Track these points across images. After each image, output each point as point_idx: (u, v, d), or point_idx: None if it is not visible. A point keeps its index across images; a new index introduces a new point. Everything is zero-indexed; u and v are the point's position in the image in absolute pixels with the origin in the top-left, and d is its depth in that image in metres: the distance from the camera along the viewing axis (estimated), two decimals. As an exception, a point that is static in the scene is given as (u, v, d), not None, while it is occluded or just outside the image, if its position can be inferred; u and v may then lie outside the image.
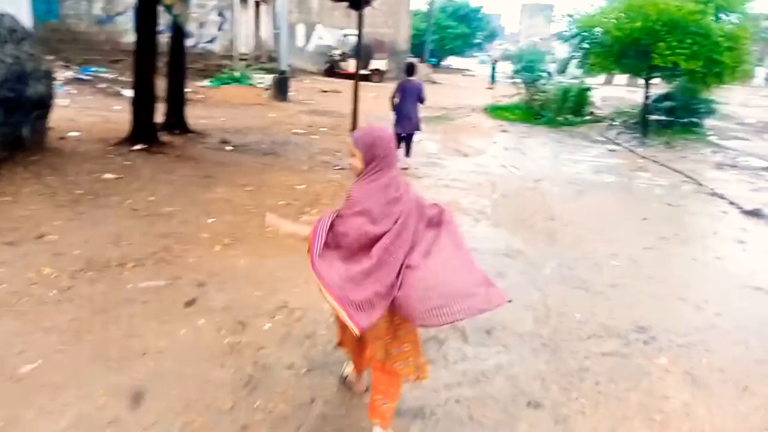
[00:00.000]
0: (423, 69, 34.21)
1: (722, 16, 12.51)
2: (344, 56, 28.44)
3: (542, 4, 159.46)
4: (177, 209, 5.74)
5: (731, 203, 7.79)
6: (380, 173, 2.29)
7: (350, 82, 26.73)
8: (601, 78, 40.17)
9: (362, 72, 28.60)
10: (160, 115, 9.28)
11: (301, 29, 29.73)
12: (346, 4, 9.07)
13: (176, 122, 10.06)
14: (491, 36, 58.46)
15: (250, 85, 18.04)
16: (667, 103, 15.99)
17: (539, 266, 5.03)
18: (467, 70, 58.82)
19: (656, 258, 5.48)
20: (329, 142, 10.49)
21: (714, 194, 8.30)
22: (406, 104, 8.46)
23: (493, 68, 32.28)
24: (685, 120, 16.02)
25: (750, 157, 12.10)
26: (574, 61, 51.14)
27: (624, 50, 13.11)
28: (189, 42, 19.34)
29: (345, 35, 28.85)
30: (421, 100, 8.54)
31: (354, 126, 10.48)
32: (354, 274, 2.22)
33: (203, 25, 18.82)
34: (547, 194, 7.72)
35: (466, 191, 7.53)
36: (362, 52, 28.79)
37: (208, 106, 14.56)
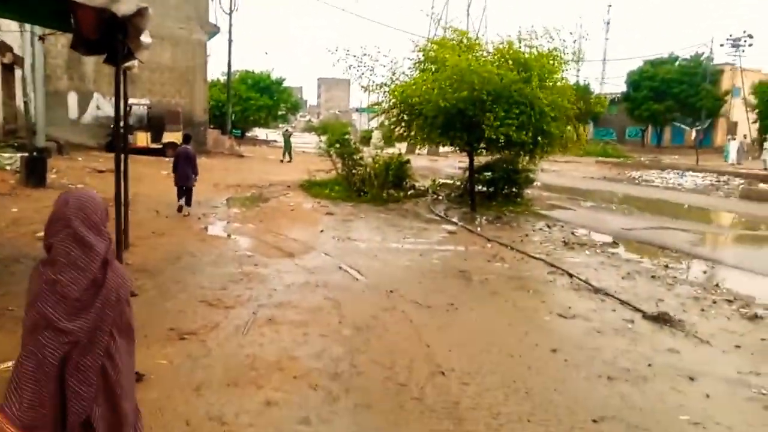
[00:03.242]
0: (226, 141, 31.44)
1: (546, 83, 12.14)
2: (129, 128, 24.51)
3: (338, 78, 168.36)
4: None
5: (622, 303, 6.45)
6: None
7: (139, 158, 23.00)
8: (402, 147, 41.59)
9: (155, 146, 25.31)
10: None
11: (73, 98, 25.17)
12: (96, 57, 6.26)
13: None
14: (294, 108, 58.18)
15: (-7, 167, 13.66)
16: (488, 174, 15.55)
17: None
18: (273, 141, 57.45)
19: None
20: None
21: (596, 291, 6.95)
22: (182, 165, 10.77)
23: (287, 141, 29.73)
24: (507, 191, 15.70)
25: (585, 231, 11.58)
26: (376, 132, 52.11)
27: (449, 121, 12.07)
28: None
29: (129, 105, 25.01)
30: (194, 166, 10.89)
31: (124, 224, 7.50)
32: None
33: None
34: (413, 316, 5.57)
35: (302, 329, 5.03)
36: (153, 123, 25.44)
37: None
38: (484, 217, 12.99)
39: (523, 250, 9.30)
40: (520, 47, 12.40)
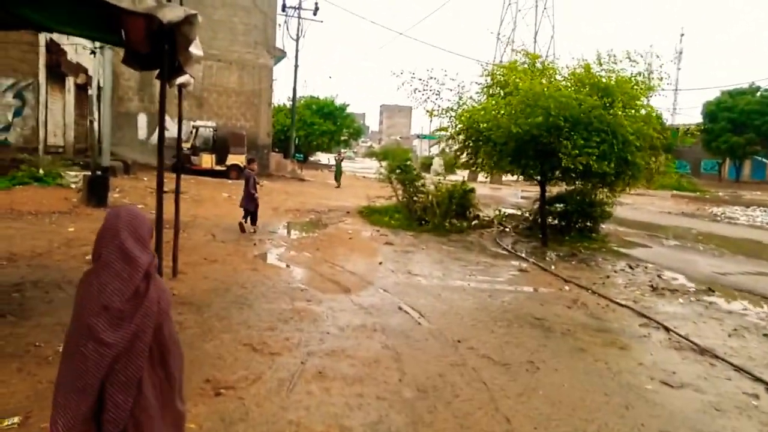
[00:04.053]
0: (288, 165, 31.54)
1: (628, 110, 11.08)
2: (195, 149, 24.90)
3: (401, 105, 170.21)
4: None
5: (737, 370, 5.36)
6: None
7: (203, 179, 23.20)
8: (464, 174, 40.50)
9: (219, 168, 25.55)
10: None
11: (143, 119, 25.87)
12: (142, 71, 5.87)
13: None
14: (357, 133, 58.49)
15: (60, 185, 13.82)
16: (560, 206, 14.47)
17: None
18: (335, 165, 57.88)
19: None
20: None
21: (702, 351, 5.87)
22: (246, 188, 11.50)
23: (338, 167, 29.88)
24: (580, 225, 14.55)
25: (673, 273, 10.34)
26: (437, 159, 51.22)
27: (521, 148, 11.19)
28: (-27, 131, 15.01)
29: (195, 126, 25.46)
30: (254, 186, 11.53)
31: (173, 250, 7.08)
32: None
33: (-7, 109, 14.43)
34: (487, 377, 4.72)
35: (357, 387, 4.28)
36: (218, 145, 25.72)
37: (-25, 218, 10.23)
38: (557, 254, 11.95)
39: (607, 294, 8.26)
40: (600, 71, 11.43)
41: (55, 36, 15.13)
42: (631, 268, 10.85)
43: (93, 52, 14.90)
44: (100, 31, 5.82)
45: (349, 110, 50.00)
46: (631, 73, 11.49)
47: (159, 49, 4.98)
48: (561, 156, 10.18)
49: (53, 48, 15.26)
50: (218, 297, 6.44)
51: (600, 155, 10.22)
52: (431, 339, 5.60)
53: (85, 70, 18.47)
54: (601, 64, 11.37)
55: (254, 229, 11.57)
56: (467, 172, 39.23)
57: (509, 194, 32.00)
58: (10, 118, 14.51)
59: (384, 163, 20.53)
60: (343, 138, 51.63)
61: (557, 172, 11.91)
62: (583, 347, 5.82)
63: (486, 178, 36.15)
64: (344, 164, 66.00)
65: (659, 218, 21.57)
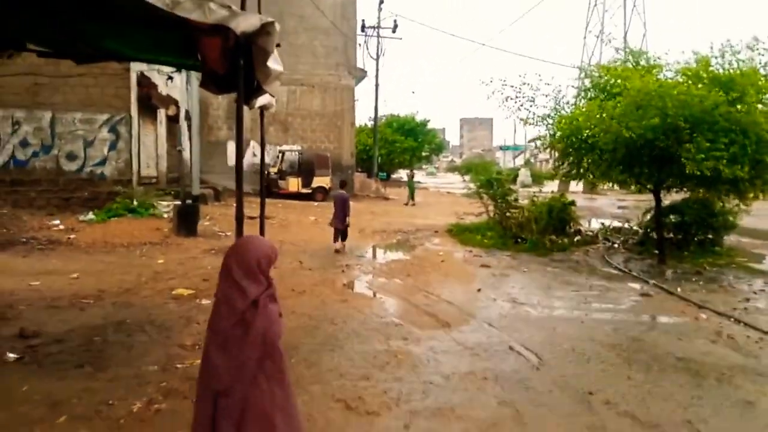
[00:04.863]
0: (372, 184, 31.25)
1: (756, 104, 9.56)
2: (282, 174, 25.13)
3: (481, 118, 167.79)
4: None
5: None
6: None
7: (289, 203, 23.23)
8: (554, 184, 38.31)
9: (305, 191, 25.63)
10: None
11: (232, 146, 26.50)
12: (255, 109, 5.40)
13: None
14: (438, 149, 57.76)
15: (153, 215, 14.03)
16: (675, 217, 12.90)
17: None
18: (417, 182, 57.26)
19: None
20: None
21: None
22: (338, 209, 11.68)
23: (411, 184, 28.35)
24: (700, 237, 12.90)
25: (832, 294, 8.70)
26: (523, 170, 49.62)
27: (633, 155, 9.94)
28: (73, 165, 15.69)
29: (281, 151, 25.73)
30: (346, 208, 11.67)
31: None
32: None
33: (91, 144, 14.95)
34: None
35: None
36: (304, 168, 25.83)
37: (72, 251, 10.41)
38: (678, 272, 10.52)
39: (756, 324, 6.91)
40: (717, 65, 10.00)
41: (146, 70, 15.61)
42: (774, 289, 9.29)
43: (170, 78, 15.19)
44: (177, 53, 5.45)
45: (429, 126, 49.44)
46: (760, 62, 9.97)
47: (236, 68, 4.46)
48: (684, 161, 8.85)
49: (144, 82, 15.72)
50: (307, 336, 5.84)
51: (730, 158, 8.80)
52: (556, 390, 4.66)
53: (175, 102, 19.01)
54: (723, 56, 9.93)
55: (343, 245, 11.88)
56: (557, 182, 37.41)
57: (606, 204, 29.89)
58: (105, 152, 15.02)
59: (467, 177, 19.62)
60: (424, 154, 51.07)
61: (673, 180, 10.52)
62: (749, 399, 4.65)
63: (577, 185, 34.12)
64: (428, 180, 65.52)
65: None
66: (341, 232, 11.86)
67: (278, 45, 5.56)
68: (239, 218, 4.62)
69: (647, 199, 19.64)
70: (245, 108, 5.78)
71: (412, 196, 27.10)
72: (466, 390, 4.59)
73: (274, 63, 4.44)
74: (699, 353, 5.77)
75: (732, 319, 7.18)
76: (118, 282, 7.90)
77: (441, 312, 7.12)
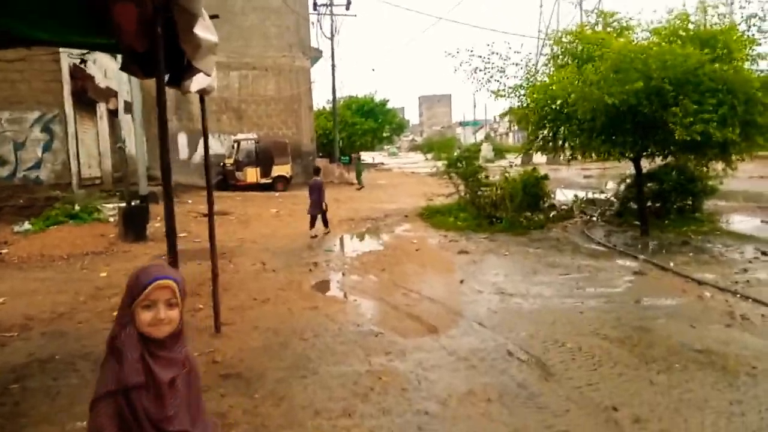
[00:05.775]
0: (336, 170, 30.20)
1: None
2: (239, 164, 23.89)
3: (439, 95, 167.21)
4: None
5: None
6: None
7: (249, 195, 22.00)
8: (516, 158, 37.89)
9: (264, 181, 24.43)
10: None
11: (183, 139, 25.07)
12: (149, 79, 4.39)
13: None
14: (399, 128, 56.81)
15: (98, 220, 12.80)
16: (652, 185, 12.43)
17: None
18: (381, 164, 56.28)
19: None
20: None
21: None
22: (314, 196, 11.98)
23: (359, 166, 28.35)
24: (679, 204, 12.50)
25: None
26: (485, 146, 49.08)
27: (616, 123, 9.28)
28: (3, 171, 14.20)
29: (236, 140, 24.43)
30: (322, 194, 12.03)
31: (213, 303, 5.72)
32: None
33: (22, 146, 13.51)
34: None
35: None
36: (262, 157, 24.59)
37: (3, 268, 9.22)
38: (665, 242, 10.02)
39: (764, 299, 6.36)
40: (702, 18, 9.40)
41: (78, 60, 14.18)
42: (765, 254, 8.84)
43: (83, 60, 13.84)
44: (88, 30, 4.40)
45: (388, 106, 48.43)
46: (742, 16, 9.43)
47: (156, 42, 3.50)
48: (672, 126, 8.22)
49: (78, 74, 14.29)
50: (273, 359, 4.96)
51: (720, 120, 8.22)
52: (573, 408, 3.92)
53: (116, 94, 17.57)
54: (705, 11, 9.31)
55: (328, 231, 12.25)
56: (520, 156, 37.02)
57: (572, 174, 29.67)
58: (39, 154, 13.60)
59: (430, 155, 18.87)
60: (385, 135, 50.13)
61: (657, 147, 9.95)
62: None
63: (542, 156, 33.85)
64: (391, 161, 64.72)
65: (764, 185, 19.00)
66: (323, 219, 12.13)
67: (216, 16, 4.58)
68: (169, 233, 3.69)
69: (611, 166, 19.24)
70: (191, 95, 4.79)
71: (359, 179, 26.67)
72: (469, 418, 3.81)
73: (204, 31, 3.49)
74: (718, 342, 5.13)
75: (738, 296, 6.62)
76: (51, 304, 6.83)
77: (424, 313, 6.33)
